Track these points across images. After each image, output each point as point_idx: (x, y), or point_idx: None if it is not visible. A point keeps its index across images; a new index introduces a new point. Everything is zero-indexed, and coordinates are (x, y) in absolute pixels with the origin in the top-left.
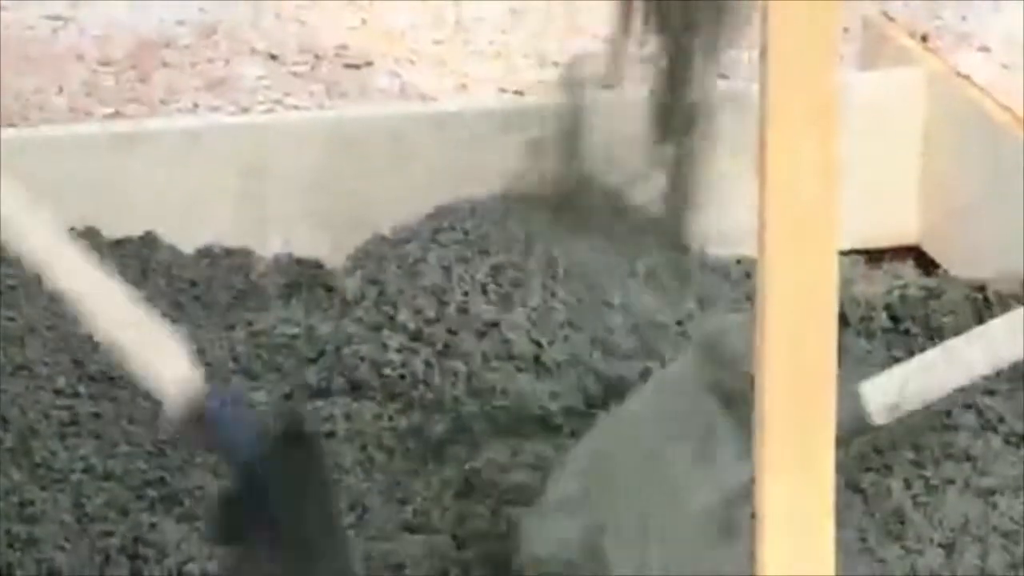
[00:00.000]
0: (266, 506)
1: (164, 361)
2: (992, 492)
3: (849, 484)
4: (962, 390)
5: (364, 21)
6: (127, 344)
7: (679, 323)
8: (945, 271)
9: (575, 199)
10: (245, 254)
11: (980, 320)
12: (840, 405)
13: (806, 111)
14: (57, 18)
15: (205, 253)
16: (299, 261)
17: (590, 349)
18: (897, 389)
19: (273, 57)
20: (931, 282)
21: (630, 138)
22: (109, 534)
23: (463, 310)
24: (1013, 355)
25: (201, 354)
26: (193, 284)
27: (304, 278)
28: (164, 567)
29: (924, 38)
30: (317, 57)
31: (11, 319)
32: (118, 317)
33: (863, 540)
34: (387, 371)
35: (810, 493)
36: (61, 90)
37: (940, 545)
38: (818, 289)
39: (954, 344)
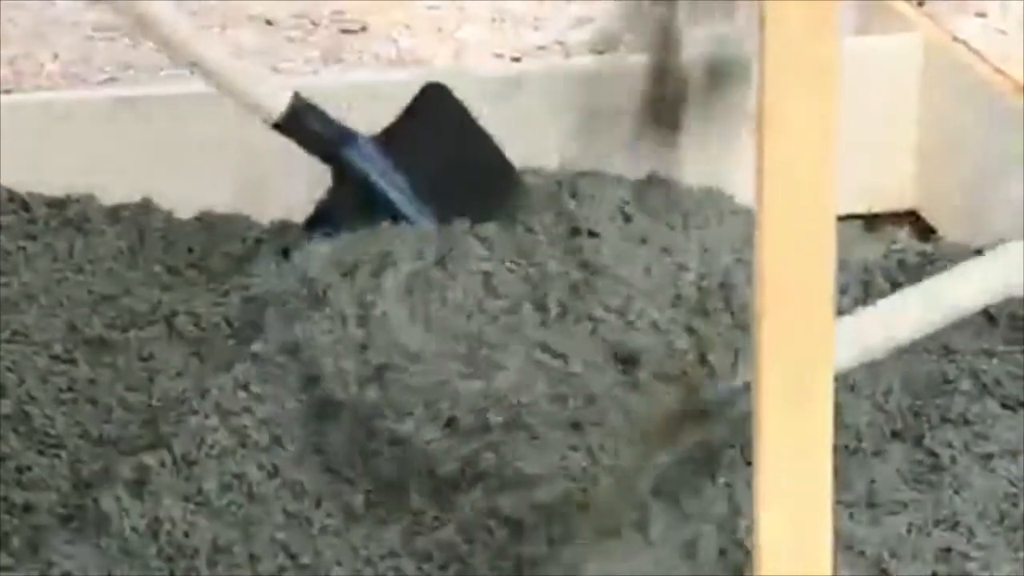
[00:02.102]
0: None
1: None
2: (990, 456)
3: (848, 450)
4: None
5: None
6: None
7: None
8: (942, 236)
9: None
10: (242, 220)
11: None
12: None
13: (805, 76)
14: None
15: (202, 219)
16: (296, 227)
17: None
18: (866, 329)
19: (269, 23)
20: (928, 247)
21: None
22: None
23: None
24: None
25: (196, 319)
26: (190, 250)
27: (301, 244)
28: (159, 536)
29: (920, 3)
30: (313, 23)
31: (7, 285)
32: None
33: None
34: None
35: (808, 462)
36: (56, 56)
37: (938, 509)
38: (816, 254)
39: (925, 286)
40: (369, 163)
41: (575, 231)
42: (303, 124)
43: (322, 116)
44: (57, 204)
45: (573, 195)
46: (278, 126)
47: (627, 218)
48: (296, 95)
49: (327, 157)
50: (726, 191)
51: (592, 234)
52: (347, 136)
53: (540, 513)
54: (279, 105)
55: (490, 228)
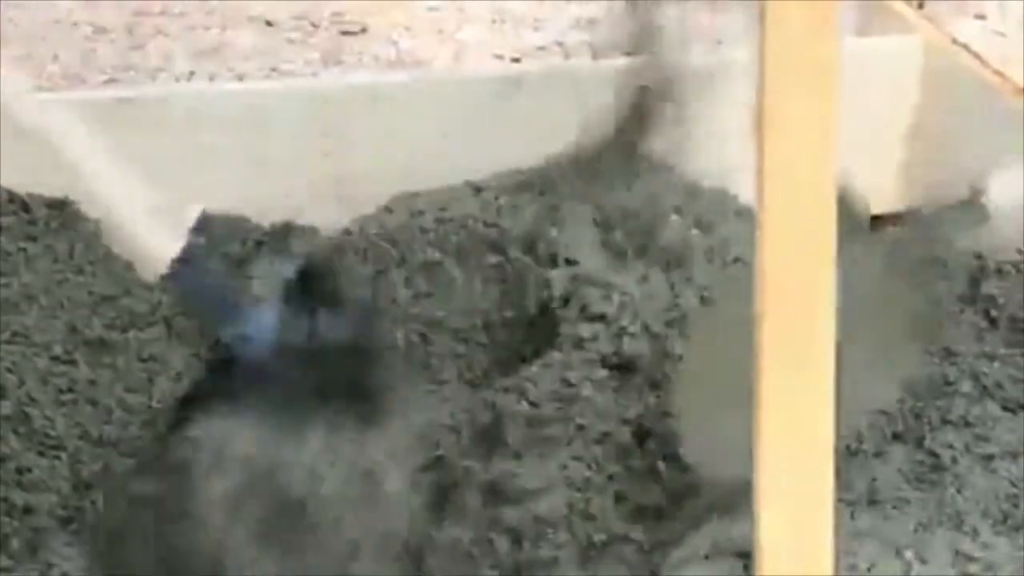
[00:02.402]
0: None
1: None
2: (991, 458)
3: (849, 451)
4: None
5: None
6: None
7: None
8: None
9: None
10: (242, 222)
11: (976, 288)
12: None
13: (805, 76)
14: None
15: (202, 222)
16: (296, 229)
17: None
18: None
19: (269, 24)
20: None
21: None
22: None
23: None
24: None
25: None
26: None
27: (300, 247)
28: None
29: (920, 4)
30: (313, 24)
31: (7, 285)
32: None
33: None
34: None
35: (808, 462)
36: (56, 58)
37: (941, 509)
38: (816, 256)
39: None
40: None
41: (552, 259)
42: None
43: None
44: (57, 205)
45: (555, 223)
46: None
47: (610, 233)
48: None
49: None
50: (730, 190)
51: (570, 262)
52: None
53: (542, 524)
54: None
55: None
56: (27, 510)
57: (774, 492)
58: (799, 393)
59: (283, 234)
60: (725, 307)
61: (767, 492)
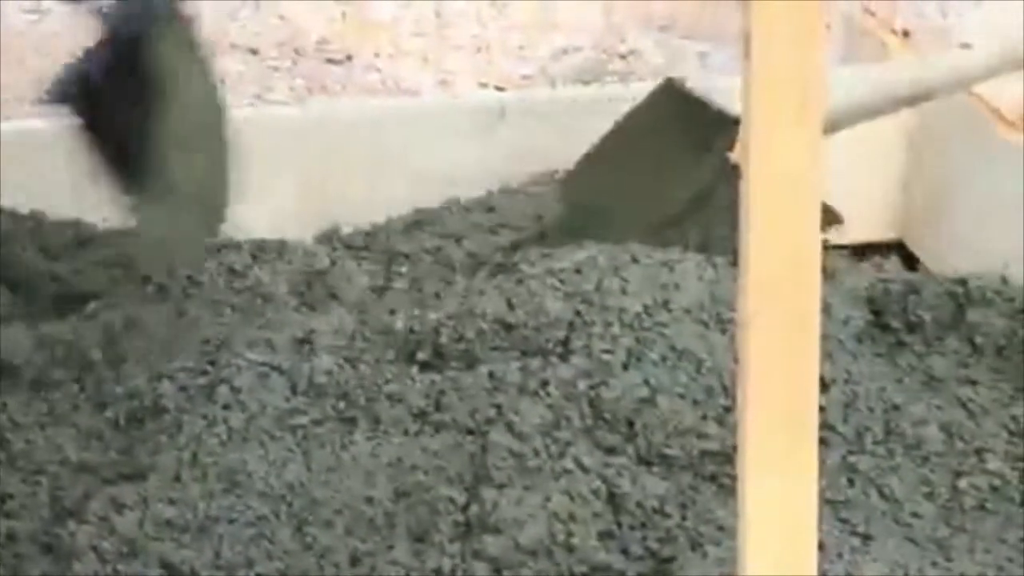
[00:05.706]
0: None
1: None
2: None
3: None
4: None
5: (345, 15)
6: None
7: None
8: (926, 267)
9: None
10: (226, 247)
11: (960, 314)
12: None
13: (790, 107)
14: (35, 11)
15: None
16: (279, 255)
17: None
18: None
19: (253, 52)
20: (912, 277)
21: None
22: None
23: None
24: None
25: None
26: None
27: (284, 272)
28: (139, 561)
29: (905, 34)
30: (297, 52)
31: None
32: None
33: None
34: None
35: (795, 483)
36: (41, 85)
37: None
38: (801, 283)
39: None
40: None
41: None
42: None
43: None
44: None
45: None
46: None
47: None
48: None
49: None
50: None
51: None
52: None
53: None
54: None
55: None
56: (10, 538)
57: (759, 492)
58: (785, 398)
59: (267, 259)
60: None
61: (752, 491)
